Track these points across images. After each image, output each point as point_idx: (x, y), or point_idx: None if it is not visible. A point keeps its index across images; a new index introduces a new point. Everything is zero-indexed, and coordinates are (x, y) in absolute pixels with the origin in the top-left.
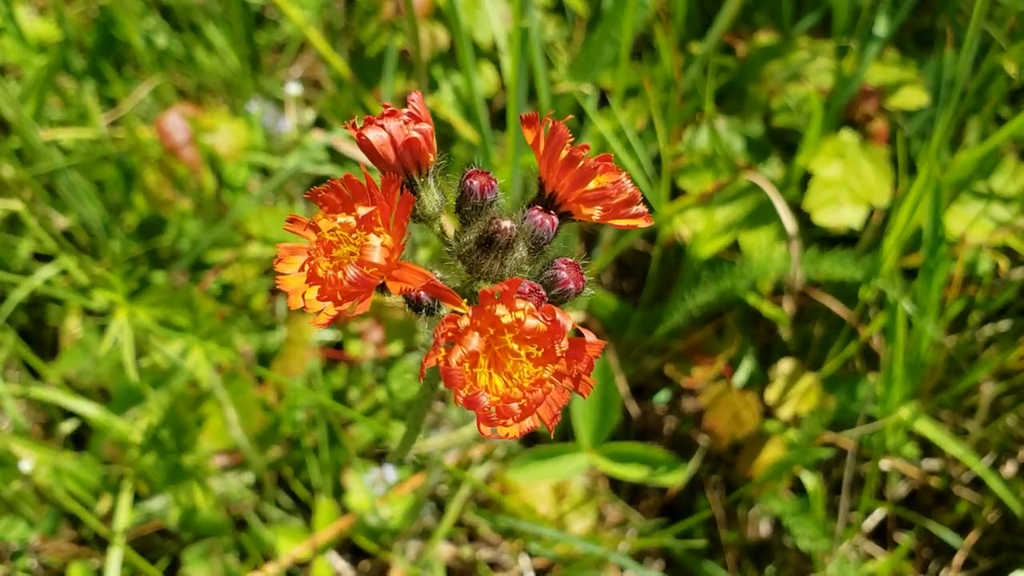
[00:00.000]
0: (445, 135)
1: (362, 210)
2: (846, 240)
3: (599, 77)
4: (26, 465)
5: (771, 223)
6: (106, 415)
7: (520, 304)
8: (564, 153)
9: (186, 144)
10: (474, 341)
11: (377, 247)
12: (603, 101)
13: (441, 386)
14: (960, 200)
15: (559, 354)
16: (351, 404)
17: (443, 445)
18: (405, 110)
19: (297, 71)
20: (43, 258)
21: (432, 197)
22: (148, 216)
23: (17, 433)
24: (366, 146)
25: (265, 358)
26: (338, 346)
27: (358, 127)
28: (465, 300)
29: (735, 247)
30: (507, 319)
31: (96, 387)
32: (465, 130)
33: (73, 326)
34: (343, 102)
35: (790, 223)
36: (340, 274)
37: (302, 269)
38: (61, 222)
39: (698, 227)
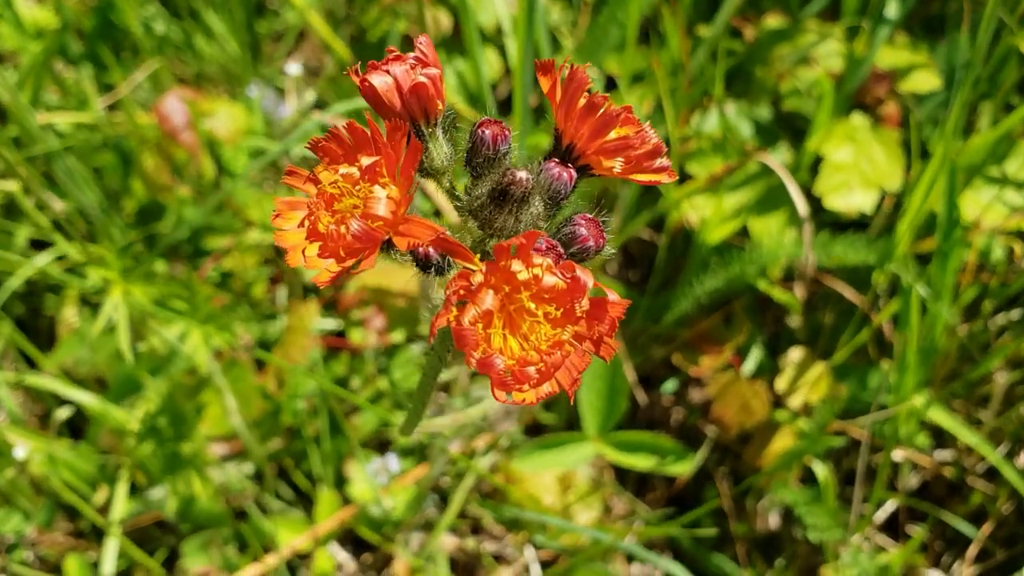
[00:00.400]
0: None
1: (366, 160)
2: (857, 226)
3: (605, 61)
4: (20, 452)
5: (781, 208)
6: (103, 403)
7: (538, 260)
8: (583, 101)
9: (185, 127)
10: (488, 299)
11: (382, 199)
12: (609, 86)
13: (447, 368)
14: (973, 185)
15: (579, 314)
16: (353, 393)
17: (449, 424)
18: (411, 54)
19: (297, 60)
20: (40, 247)
21: (440, 148)
22: (146, 202)
23: (13, 424)
24: (369, 92)
25: (265, 347)
26: (340, 334)
27: (361, 74)
28: (478, 256)
29: (744, 233)
30: (523, 276)
31: (93, 376)
32: (469, 114)
33: (70, 315)
34: (344, 84)
35: (802, 205)
36: (343, 228)
37: (302, 224)
38: (58, 206)
39: (706, 213)
